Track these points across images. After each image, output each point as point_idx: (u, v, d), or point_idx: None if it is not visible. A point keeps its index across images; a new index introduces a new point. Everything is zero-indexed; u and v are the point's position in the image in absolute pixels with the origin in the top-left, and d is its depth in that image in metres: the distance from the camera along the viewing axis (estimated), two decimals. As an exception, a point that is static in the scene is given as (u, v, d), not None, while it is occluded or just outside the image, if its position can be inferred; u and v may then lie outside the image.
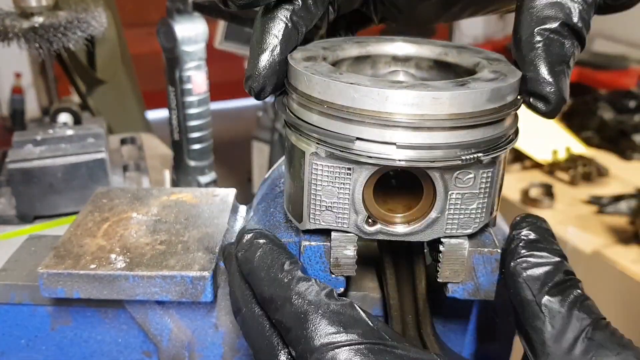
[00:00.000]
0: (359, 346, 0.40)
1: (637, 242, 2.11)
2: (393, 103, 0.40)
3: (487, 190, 0.45)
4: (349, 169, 0.44)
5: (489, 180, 0.44)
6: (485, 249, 0.47)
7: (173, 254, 0.58)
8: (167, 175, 1.19)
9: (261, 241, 0.47)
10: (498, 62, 0.47)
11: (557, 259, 0.44)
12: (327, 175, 0.45)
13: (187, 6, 1.06)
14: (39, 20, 1.01)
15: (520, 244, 0.45)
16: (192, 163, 1.14)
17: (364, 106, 0.41)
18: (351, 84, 0.41)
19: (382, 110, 0.41)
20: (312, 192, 0.46)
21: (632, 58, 3.71)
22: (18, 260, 0.65)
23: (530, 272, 0.43)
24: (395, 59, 0.55)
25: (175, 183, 1.17)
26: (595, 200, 2.34)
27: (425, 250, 0.52)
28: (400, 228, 0.46)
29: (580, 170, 2.54)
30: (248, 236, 0.48)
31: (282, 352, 0.43)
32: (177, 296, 0.56)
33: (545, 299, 0.42)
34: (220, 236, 0.61)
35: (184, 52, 1.06)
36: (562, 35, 0.44)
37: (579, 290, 0.43)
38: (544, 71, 0.43)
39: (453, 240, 0.47)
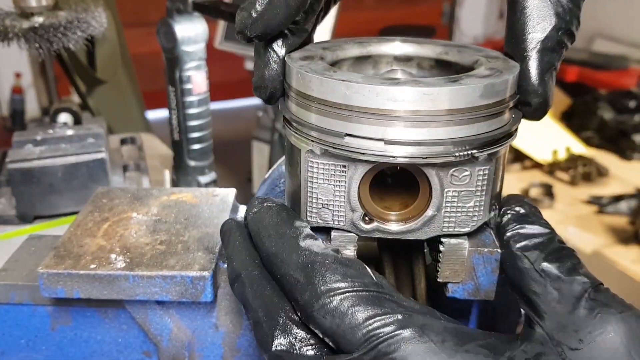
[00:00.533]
0: (366, 294, 0.40)
1: (637, 242, 2.11)
2: (384, 99, 0.41)
3: (485, 187, 0.45)
4: (344, 166, 0.44)
5: (486, 177, 0.44)
6: (485, 249, 0.47)
7: (173, 254, 0.58)
8: (167, 175, 1.19)
9: (272, 204, 0.48)
10: (496, 60, 0.47)
11: (549, 230, 0.45)
12: (323, 173, 0.45)
13: (187, 6, 1.06)
14: (39, 20, 1.01)
15: (513, 218, 0.46)
16: (192, 163, 1.14)
17: (355, 103, 0.41)
18: (343, 80, 0.41)
19: (373, 107, 0.41)
20: (309, 189, 0.46)
21: (632, 58, 3.71)
22: (18, 260, 0.65)
23: (525, 242, 0.44)
24: (397, 59, 0.55)
25: (175, 183, 1.17)
26: (595, 200, 2.34)
27: (425, 250, 0.52)
28: (397, 226, 0.46)
29: (580, 170, 2.54)
30: (259, 200, 0.49)
31: (282, 310, 0.43)
32: (177, 296, 0.56)
33: (544, 265, 0.42)
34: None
35: (184, 52, 1.06)
36: (554, 39, 0.45)
37: (576, 258, 0.43)
38: (534, 81, 0.46)
39: (453, 240, 0.47)
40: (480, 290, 0.48)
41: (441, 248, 0.47)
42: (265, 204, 0.48)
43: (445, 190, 0.44)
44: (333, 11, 2.16)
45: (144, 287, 0.56)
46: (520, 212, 0.46)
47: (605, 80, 3.46)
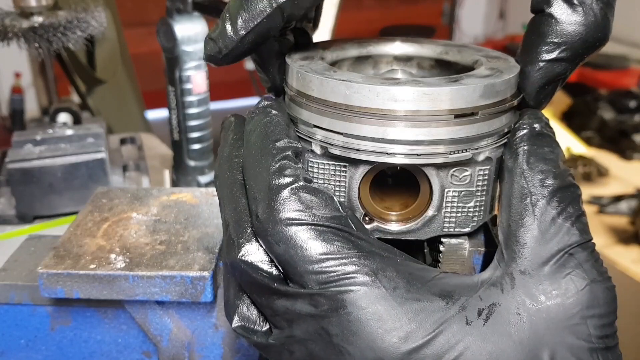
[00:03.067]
0: (324, 229, 0.39)
1: (637, 242, 2.11)
2: (384, 99, 0.41)
3: (485, 188, 0.45)
4: (344, 166, 0.44)
5: (487, 177, 0.44)
6: (486, 249, 0.47)
7: (173, 254, 0.58)
8: (167, 175, 1.19)
9: (273, 112, 0.46)
10: (497, 60, 0.47)
11: (561, 160, 0.41)
12: (323, 173, 0.45)
13: (187, 6, 1.06)
14: (38, 20, 1.01)
15: (526, 134, 0.42)
16: (192, 163, 1.14)
17: (355, 103, 0.41)
18: (343, 80, 0.41)
19: (373, 107, 0.41)
20: None
21: (632, 58, 3.71)
22: (18, 260, 0.64)
23: (533, 166, 0.41)
24: (397, 59, 0.55)
25: (175, 183, 1.17)
26: (595, 200, 2.34)
27: (425, 250, 0.52)
28: (397, 226, 0.46)
29: (580, 170, 2.54)
30: (265, 102, 0.47)
31: (249, 222, 0.42)
32: (177, 296, 0.56)
33: (544, 201, 0.39)
34: (220, 236, 0.61)
35: (184, 51, 1.06)
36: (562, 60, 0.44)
37: (579, 203, 0.40)
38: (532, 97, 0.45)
39: (453, 240, 0.47)
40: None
41: (441, 248, 0.47)
42: (267, 109, 0.46)
43: (446, 190, 0.44)
44: (333, 11, 2.16)
45: (143, 287, 0.56)
46: (536, 129, 0.42)
47: (606, 80, 3.46)
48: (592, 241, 0.40)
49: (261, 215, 0.40)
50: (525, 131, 0.43)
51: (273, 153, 0.42)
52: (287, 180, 0.40)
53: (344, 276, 0.38)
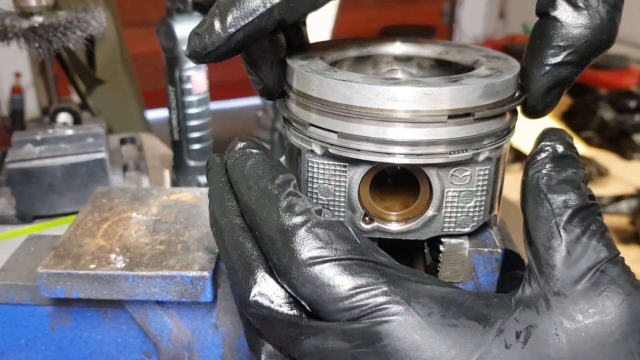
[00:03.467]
0: (348, 262, 0.38)
1: (637, 242, 2.11)
2: (384, 99, 0.41)
3: (485, 188, 0.45)
4: (344, 166, 0.44)
5: (486, 177, 0.44)
6: (486, 249, 0.47)
7: (173, 254, 0.58)
8: (167, 175, 1.19)
9: (254, 151, 0.45)
10: (497, 60, 0.47)
11: (584, 181, 0.42)
12: (323, 173, 0.45)
13: (187, 6, 1.06)
14: (38, 20, 1.01)
15: (549, 156, 0.42)
16: (192, 163, 1.14)
17: (355, 103, 0.41)
18: (343, 80, 0.42)
19: (373, 107, 0.41)
20: (309, 190, 0.46)
21: (632, 58, 3.71)
22: (18, 260, 0.64)
23: (555, 188, 0.41)
24: (397, 59, 0.55)
25: (175, 183, 1.17)
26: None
27: (425, 250, 0.52)
28: (397, 226, 0.46)
29: (580, 170, 2.54)
30: (241, 144, 0.45)
31: (262, 265, 0.41)
32: (177, 296, 0.56)
33: (567, 222, 0.39)
34: (220, 236, 0.61)
35: (184, 51, 1.06)
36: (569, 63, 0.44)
37: (601, 220, 0.41)
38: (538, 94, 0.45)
39: (453, 240, 0.47)
40: (480, 290, 0.48)
41: (441, 248, 0.47)
42: (247, 150, 0.45)
43: (446, 190, 0.44)
44: (333, 11, 2.15)
45: (143, 287, 0.56)
46: (559, 151, 0.42)
47: (606, 80, 3.45)
48: (621, 255, 0.40)
49: (281, 259, 0.39)
50: (547, 153, 0.42)
51: (275, 194, 0.41)
52: (300, 219, 0.40)
53: (375, 308, 0.37)
